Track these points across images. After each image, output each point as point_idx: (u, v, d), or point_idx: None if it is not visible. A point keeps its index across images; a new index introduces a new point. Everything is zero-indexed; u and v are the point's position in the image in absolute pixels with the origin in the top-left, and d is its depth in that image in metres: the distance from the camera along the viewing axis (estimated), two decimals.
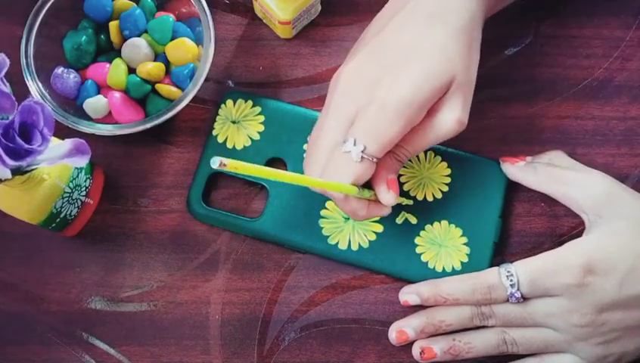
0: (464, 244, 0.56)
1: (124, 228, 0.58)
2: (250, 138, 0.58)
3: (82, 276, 0.57)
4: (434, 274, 0.55)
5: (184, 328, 0.56)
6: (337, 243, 0.56)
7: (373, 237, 0.56)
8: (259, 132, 0.58)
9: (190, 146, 0.59)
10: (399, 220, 0.56)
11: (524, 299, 0.52)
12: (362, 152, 0.49)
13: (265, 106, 0.59)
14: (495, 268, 0.53)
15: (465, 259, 0.55)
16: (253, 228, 0.56)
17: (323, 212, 0.56)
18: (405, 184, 0.57)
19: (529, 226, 0.57)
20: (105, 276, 0.57)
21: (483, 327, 0.53)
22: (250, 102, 0.59)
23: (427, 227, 0.56)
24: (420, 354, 0.54)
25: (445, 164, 0.57)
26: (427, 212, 0.56)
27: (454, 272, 0.55)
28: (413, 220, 0.56)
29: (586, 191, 0.54)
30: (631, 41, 0.61)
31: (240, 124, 0.58)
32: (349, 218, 0.56)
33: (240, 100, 0.59)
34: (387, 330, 0.55)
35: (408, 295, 0.55)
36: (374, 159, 0.49)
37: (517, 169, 0.56)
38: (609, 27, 0.62)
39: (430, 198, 0.57)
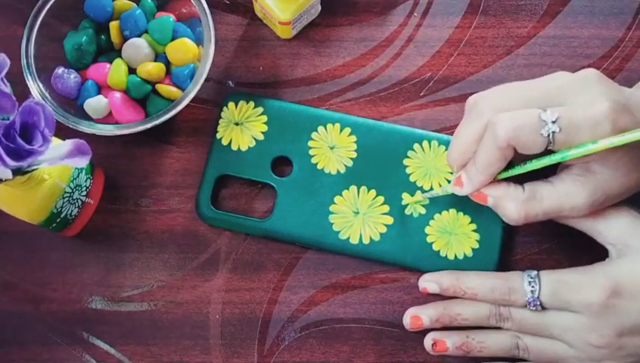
0: (474, 231, 0.56)
1: (124, 228, 0.58)
2: (255, 139, 0.58)
3: (82, 276, 0.57)
4: (446, 263, 0.55)
5: (184, 328, 0.56)
6: (348, 237, 0.56)
7: (383, 230, 0.56)
8: (262, 132, 0.58)
9: (190, 146, 0.60)
10: (407, 211, 0.57)
11: (543, 308, 0.51)
12: (554, 132, 0.47)
13: (267, 106, 0.59)
14: (520, 272, 0.53)
15: (476, 246, 0.56)
16: (264, 228, 0.56)
17: (332, 208, 0.57)
18: (412, 174, 0.57)
19: (528, 227, 0.57)
20: (105, 276, 0.57)
21: (497, 327, 0.53)
22: (252, 103, 0.59)
23: (436, 216, 0.56)
24: (432, 346, 0.54)
25: None
26: (435, 201, 0.57)
27: (466, 259, 0.55)
28: (422, 210, 0.57)
29: (609, 222, 0.51)
30: (631, 41, 0.61)
31: (243, 125, 0.58)
32: (358, 213, 0.56)
33: (242, 102, 0.59)
34: (387, 330, 0.55)
35: (428, 283, 0.55)
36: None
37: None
38: (609, 27, 0.62)
39: (436, 188, 0.57)
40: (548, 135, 0.47)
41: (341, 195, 0.57)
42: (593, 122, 0.47)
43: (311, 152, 0.58)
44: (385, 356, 0.55)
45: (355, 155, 0.58)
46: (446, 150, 0.58)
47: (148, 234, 0.58)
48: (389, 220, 0.57)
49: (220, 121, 0.59)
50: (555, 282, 0.51)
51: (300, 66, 0.61)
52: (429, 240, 0.56)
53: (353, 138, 0.58)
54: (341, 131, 0.58)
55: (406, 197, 0.57)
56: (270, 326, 0.56)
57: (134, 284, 0.57)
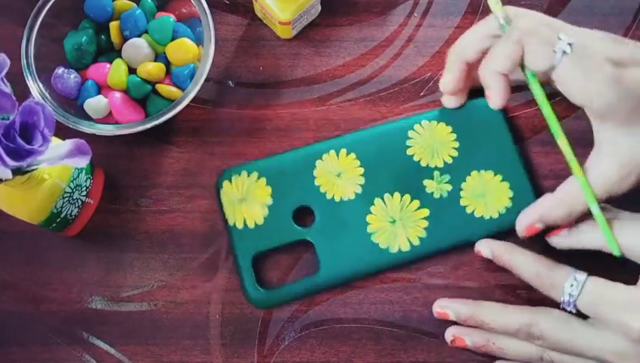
0: (502, 181, 0.57)
1: (124, 228, 0.58)
2: (267, 207, 0.57)
3: (82, 276, 0.57)
4: (493, 223, 0.56)
5: (184, 328, 0.56)
6: (399, 248, 0.55)
7: (425, 224, 0.56)
8: (270, 195, 0.57)
9: (190, 146, 0.60)
10: (436, 195, 0.56)
11: (579, 313, 0.50)
12: (564, 52, 0.50)
13: (260, 168, 0.57)
14: (568, 269, 0.51)
15: (510, 194, 0.56)
16: (319, 282, 0.55)
17: (370, 229, 0.56)
18: (421, 160, 0.57)
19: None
20: (106, 276, 0.57)
21: None
22: (245, 172, 0.57)
23: (463, 185, 0.57)
24: (452, 341, 0.53)
25: (443, 124, 0.58)
26: (454, 174, 0.57)
27: (508, 211, 0.56)
28: (448, 187, 0.57)
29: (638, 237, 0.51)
30: None
31: (247, 199, 0.57)
32: (395, 221, 0.56)
33: (234, 177, 0.57)
34: (387, 330, 0.55)
35: (483, 247, 0.54)
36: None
37: (564, 238, 0.53)
38: (609, 27, 0.61)
39: (449, 161, 0.57)
40: (557, 52, 0.50)
41: (371, 213, 0.56)
42: (591, 74, 0.50)
43: (322, 189, 0.57)
44: (385, 356, 0.55)
45: (362, 170, 0.57)
46: (440, 122, 0.58)
47: (148, 234, 0.58)
48: (426, 212, 0.56)
49: (224, 206, 0.57)
50: (599, 294, 0.49)
51: (300, 66, 0.61)
52: (468, 210, 0.56)
53: (352, 156, 0.58)
54: (338, 155, 0.58)
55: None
56: (270, 326, 0.56)
57: (134, 284, 0.57)
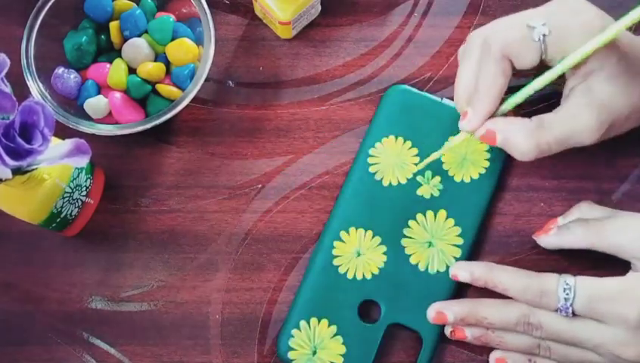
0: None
1: (124, 228, 0.58)
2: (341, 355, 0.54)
3: (82, 276, 0.57)
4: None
5: (184, 328, 0.56)
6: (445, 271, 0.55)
7: (460, 241, 0.56)
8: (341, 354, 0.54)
9: (190, 146, 0.60)
10: (425, 193, 0.57)
11: (574, 314, 0.50)
12: (545, 35, 0.50)
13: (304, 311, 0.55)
14: (555, 275, 0.51)
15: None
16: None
17: (419, 266, 0.55)
18: (383, 178, 0.57)
19: (528, 226, 0.57)
20: (105, 276, 0.57)
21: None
22: (303, 322, 0.54)
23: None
24: (451, 333, 0.53)
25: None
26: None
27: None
28: (436, 191, 0.57)
29: (631, 235, 0.50)
30: None
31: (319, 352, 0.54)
32: (431, 243, 0.55)
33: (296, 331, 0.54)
34: (387, 330, 0.55)
35: (460, 270, 0.53)
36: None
37: (553, 237, 0.54)
38: None
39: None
40: (539, 39, 0.50)
41: (407, 259, 0.55)
42: (582, 21, 0.50)
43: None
44: (384, 356, 0.55)
45: (384, 255, 0.56)
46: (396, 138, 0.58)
47: (148, 234, 0.58)
48: (452, 223, 0.56)
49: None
50: (592, 292, 0.49)
51: (300, 66, 0.61)
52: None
53: (362, 231, 0.56)
54: (349, 233, 0.56)
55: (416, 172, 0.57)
56: (270, 326, 0.56)
57: (134, 284, 0.57)
